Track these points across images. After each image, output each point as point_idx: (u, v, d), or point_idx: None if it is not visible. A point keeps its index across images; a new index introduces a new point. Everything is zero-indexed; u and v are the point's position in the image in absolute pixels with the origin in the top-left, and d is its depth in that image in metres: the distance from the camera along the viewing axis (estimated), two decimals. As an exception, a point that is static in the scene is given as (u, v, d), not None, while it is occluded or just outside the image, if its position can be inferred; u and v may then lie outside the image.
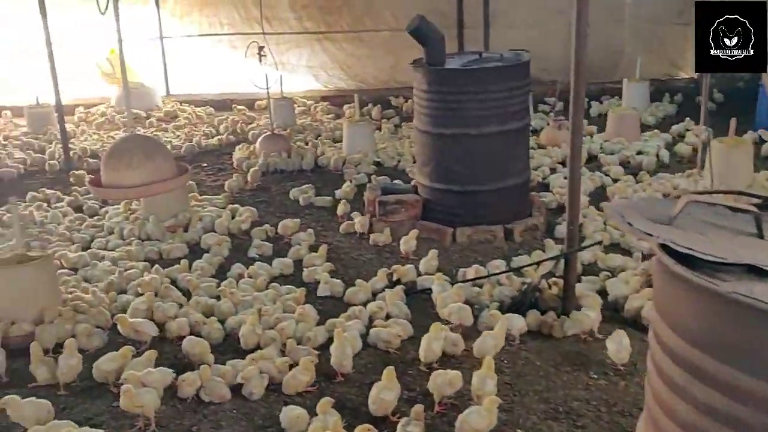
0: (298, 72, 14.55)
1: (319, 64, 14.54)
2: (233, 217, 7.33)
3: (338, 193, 8.24)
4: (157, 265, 6.14)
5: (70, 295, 5.38)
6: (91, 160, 10.12)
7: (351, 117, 11.00)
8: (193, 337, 4.74)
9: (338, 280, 5.77)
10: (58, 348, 4.71)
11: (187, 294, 5.63)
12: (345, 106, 12.83)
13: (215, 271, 6.20)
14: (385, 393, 3.92)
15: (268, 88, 9.90)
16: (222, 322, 5.10)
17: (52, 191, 8.64)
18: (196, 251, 6.71)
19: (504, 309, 5.18)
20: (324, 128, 11.81)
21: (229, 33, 14.52)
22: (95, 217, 7.74)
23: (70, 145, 10.49)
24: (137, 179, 6.66)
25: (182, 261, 6.20)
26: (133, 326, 4.82)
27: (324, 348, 4.73)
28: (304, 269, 6.11)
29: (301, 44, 14.45)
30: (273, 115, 11.00)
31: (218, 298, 5.51)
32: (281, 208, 8.10)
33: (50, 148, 10.71)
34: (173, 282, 5.84)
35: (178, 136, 11.71)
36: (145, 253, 6.56)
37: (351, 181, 8.56)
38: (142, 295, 5.47)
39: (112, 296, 5.56)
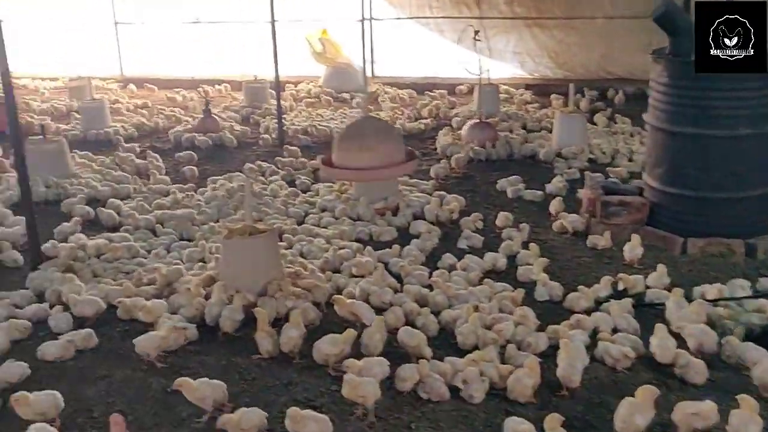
0: (504, 58, 14.16)
1: (526, 51, 14.03)
2: (440, 205, 7.18)
3: (549, 187, 7.82)
4: (369, 247, 6.13)
5: (291, 269, 5.47)
6: (302, 137, 10.46)
7: (564, 108, 10.45)
8: (410, 327, 4.61)
9: (557, 283, 5.41)
10: (275, 322, 4.80)
11: (398, 279, 5.56)
12: (552, 96, 12.27)
13: (425, 259, 6.07)
14: (638, 416, 3.52)
15: (480, 74, 9.65)
16: (435, 314, 4.94)
17: (268, 164, 9.00)
18: (404, 236, 6.64)
19: (752, 337, 4.56)
20: (529, 117, 11.36)
21: (438, 17, 14.41)
22: (308, 193, 7.93)
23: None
24: (370, 162, 6.71)
25: (393, 246, 6.13)
26: (351, 309, 4.79)
27: (544, 356, 4.41)
28: (518, 267, 5.81)
29: (508, 30, 14.02)
30: (478, 101, 10.73)
31: (430, 288, 5.37)
32: (488, 199, 7.83)
33: (264, 122, 11.23)
34: (385, 266, 5.78)
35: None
36: (357, 233, 6.59)
37: (562, 176, 8.11)
38: (357, 276, 5.46)
39: (328, 275, 5.60)
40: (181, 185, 8.25)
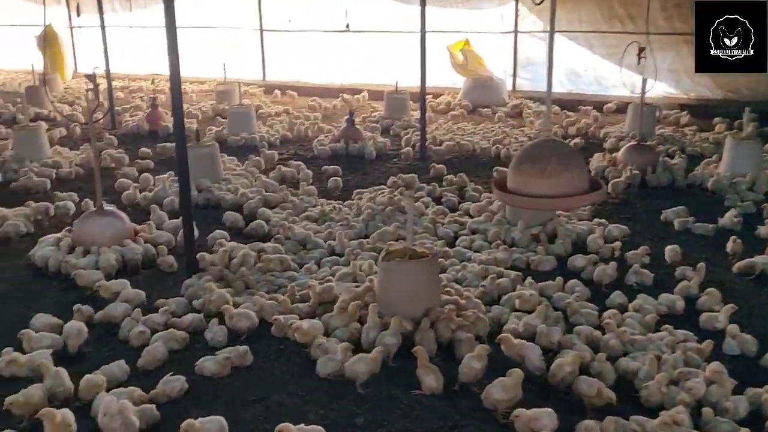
0: (658, 76, 13.26)
1: (683, 69, 13.10)
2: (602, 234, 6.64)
3: (722, 221, 7.11)
4: (530, 278, 5.72)
5: (447, 296, 5.16)
6: (437, 148, 10.20)
7: (735, 133, 9.57)
8: (588, 377, 4.16)
9: (749, 336, 4.78)
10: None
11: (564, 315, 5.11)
12: (715, 120, 11.35)
13: (590, 294, 5.58)
14: None
15: (643, 93, 9.01)
16: (609, 360, 4.47)
17: (411, 178, 8.75)
18: (562, 266, 6.18)
19: None
20: (688, 141, 10.54)
21: (588, 31, 13.76)
22: (456, 212, 7.60)
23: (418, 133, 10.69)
24: (550, 189, 6.24)
25: (557, 278, 5.69)
26: (520, 350, 4.40)
27: (745, 423, 3.85)
28: (701, 314, 5.21)
29: (665, 46, 13.12)
30: (632, 121, 10.06)
31: (601, 329, 4.89)
32: (651, 230, 7.21)
33: (406, 134, 11.04)
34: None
35: (526, 135, 11.33)
36: (513, 260, 6.19)
37: (736, 209, 7.35)
38: (520, 311, 5.08)
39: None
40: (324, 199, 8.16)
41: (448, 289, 5.36)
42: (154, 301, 5.42)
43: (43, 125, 9.92)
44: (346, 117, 10.90)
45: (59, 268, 6.02)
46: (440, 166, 9.28)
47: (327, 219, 7.34)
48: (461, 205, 7.83)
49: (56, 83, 15.83)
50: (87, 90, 6.61)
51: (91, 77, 6.30)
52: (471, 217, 7.37)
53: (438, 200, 8.02)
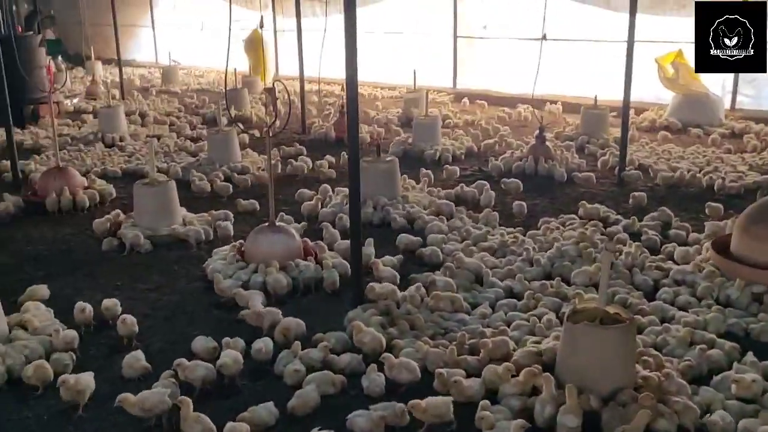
0: None
1: None
2: None
3: None
4: (751, 354, 4.66)
5: (646, 373, 4.30)
6: (636, 172, 9.17)
7: None
8: None
9: None
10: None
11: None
12: None
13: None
14: None
15: None
16: None
17: (606, 209, 7.81)
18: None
19: None
20: None
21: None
22: (658, 255, 6.57)
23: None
24: None
25: (786, 356, 4.61)
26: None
27: None
28: None
29: None
30: None
31: None
32: None
33: (603, 156, 10.03)
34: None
35: (746, 163, 9.84)
36: (728, 326, 5.15)
37: None
38: (738, 399, 4.12)
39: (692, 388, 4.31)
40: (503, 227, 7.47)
41: (645, 357, 4.50)
42: (315, 330, 5.12)
43: (236, 130, 10.17)
44: (536, 133, 10.10)
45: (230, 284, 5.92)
46: (640, 194, 8.23)
47: (507, 251, 6.67)
48: (664, 246, 6.78)
49: (256, 86, 16.49)
50: (265, 104, 6.65)
51: (271, 90, 6.16)
52: (676, 263, 6.33)
53: (637, 237, 7.04)
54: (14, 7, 17.73)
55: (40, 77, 13.06)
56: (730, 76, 12.99)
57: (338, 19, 16.95)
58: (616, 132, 11.23)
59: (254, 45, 16.95)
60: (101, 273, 6.41)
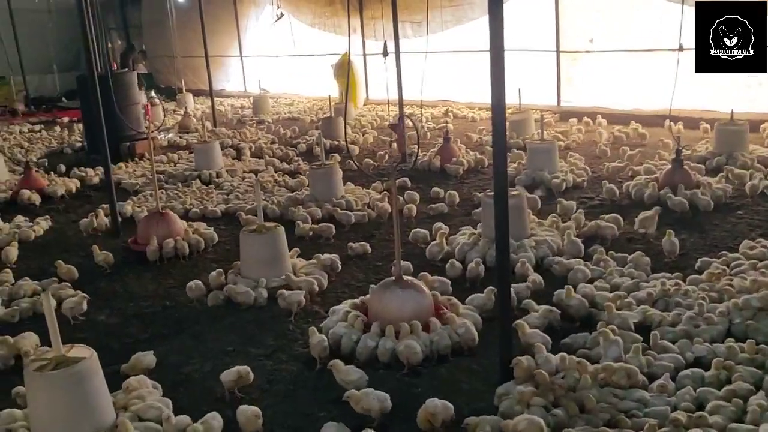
0: None
1: None
2: None
3: None
4: None
5: None
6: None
7: None
8: None
9: None
10: None
11: None
12: None
13: None
14: None
15: None
16: None
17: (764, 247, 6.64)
18: None
19: None
20: None
21: None
22: None
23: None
24: None
25: None
26: None
27: None
28: None
29: None
30: None
31: None
32: None
33: (749, 180, 8.80)
34: None
35: None
36: None
37: None
38: None
39: None
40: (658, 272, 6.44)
41: None
42: (460, 406, 4.29)
43: (337, 162, 9.51)
44: (673, 156, 8.99)
45: (353, 351, 5.15)
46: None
47: (670, 302, 5.64)
48: None
49: (349, 112, 15.93)
50: (390, 142, 6.02)
51: (396, 126, 5.37)
52: None
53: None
54: (109, 44, 17.88)
55: (136, 114, 12.89)
56: None
57: (430, 39, 16.11)
58: (759, 151, 10.03)
59: (344, 70, 16.45)
60: (209, 334, 5.78)
